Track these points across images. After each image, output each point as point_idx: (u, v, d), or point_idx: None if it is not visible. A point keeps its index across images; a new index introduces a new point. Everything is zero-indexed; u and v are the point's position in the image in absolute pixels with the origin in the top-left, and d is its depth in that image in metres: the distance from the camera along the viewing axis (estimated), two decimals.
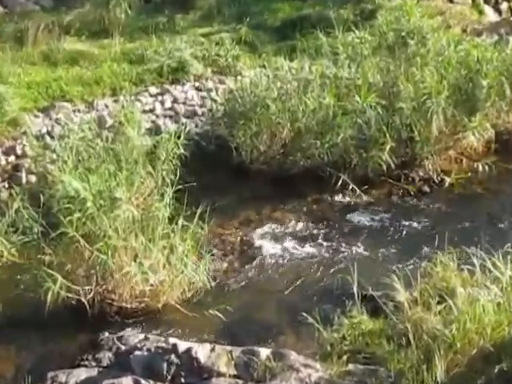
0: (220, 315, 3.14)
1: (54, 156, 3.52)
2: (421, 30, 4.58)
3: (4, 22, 5.39)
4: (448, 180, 4.45)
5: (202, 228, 3.35)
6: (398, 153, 4.42)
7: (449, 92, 4.44)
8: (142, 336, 2.98)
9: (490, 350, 2.63)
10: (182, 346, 2.85)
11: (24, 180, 4.08)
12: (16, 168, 4.16)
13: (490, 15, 6.21)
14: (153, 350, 2.86)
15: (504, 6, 6.39)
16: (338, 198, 4.26)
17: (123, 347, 2.92)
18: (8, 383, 2.85)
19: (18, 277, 3.25)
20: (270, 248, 3.74)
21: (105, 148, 3.37)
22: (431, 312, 2.79)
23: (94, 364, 2.87)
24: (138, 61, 5.03)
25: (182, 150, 3.49)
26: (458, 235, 3.59)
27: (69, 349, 2.99)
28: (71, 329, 3.10)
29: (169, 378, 2.76)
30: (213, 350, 2.83)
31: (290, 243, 3.79)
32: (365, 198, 4.25)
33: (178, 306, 3.22)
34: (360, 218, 4.08)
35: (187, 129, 4.04)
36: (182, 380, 2.76)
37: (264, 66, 5.05)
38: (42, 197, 3.20)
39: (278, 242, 3.80)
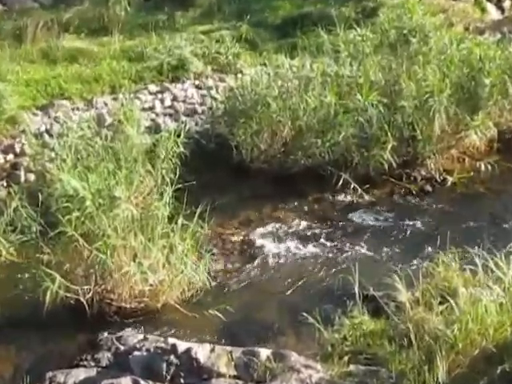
0: (220, 315, 3.12)
1: (53, 154, 3.52)
2: (423, 27, 4.54)
3: (3, 19, 5.36)
4: (450, 179, 4.42)
5: (201, 227, 3.33)
6: (399, 152, 4.39)
7: (451, 90, 4.40)
8: (141, 336, 2.97)
9: (492, 351, 2.61)
10: (182, 346, 2.84)
11: (22, 178, 4.06)
12: (14, 166, 4.14)
13: (493, 13, 6.17)
14: (152, 350, 2.84)
15: (507, 3, 6.35)
16: (340, 197, 4.23)
17: (122, 347, 2.90)
18: (6, 383, 2.83)
19: (17, 276, 3.24)
20: (270, 247, 3.72)
21: (104, 146, 3.35)
22: (433, 312, 2.78)
23: (92, 364, 2.85)
24: (137, 58, 5.01)
25: (182, 149, 3.46)
26: (460, 235, 3.56)
27: (67, 349, 2.98)
28: (70, 329, 3.08)
29: (168, 378, 2.74)
30: (213, 350, 2.82)
31: (290, 243, 3.77)
32: (366, 197, 4.23)
33: (178, 306, 3.21)
34: (361, 218, 4.05)
35: (187, 127, 4.08)
36: (182, 380, 2.74)
37: (265, 64, 5.02)
38: (40, 195, 3.18)
39: (278, 242, 3.78)
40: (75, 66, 4.82)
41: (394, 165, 4.32)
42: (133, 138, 3.35)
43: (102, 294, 3.16)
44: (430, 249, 3.57)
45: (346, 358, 2.75)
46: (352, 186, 4.24)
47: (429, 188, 4.39)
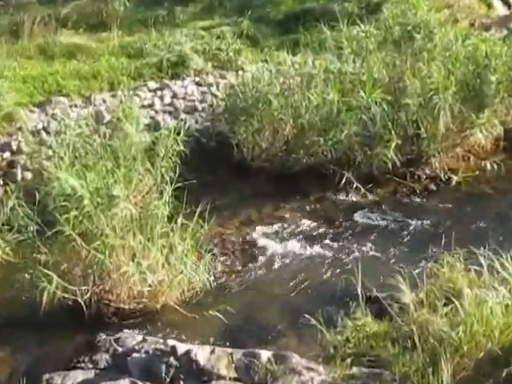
0: (220, 316, 3.08)
1: (50, 152, 3.45)
2: (428, 23, 4.48)
3: None
4: (455, 178, 4.37)
5: (201, 227, 3.28)
6: (403, 150, 4.34)
7: (456, 88, 4.35)
8: (139, 338, 2.93)
9: (497, 353, 2.57)
10: (181, 348, 2.80)
11: (19, 177, 4.03)
12: (11, 164, 4.10)
13: (499, 9, 6.08)
14: (151, 352, 2.80)
15: None
16: (342, 196, 4.19)
17: (120, 349, 2.86)
18: None
19: (13, 277, 3.19)
20: (271, 247, 3.68)
21: (102, 144, 3.30)
22: (437, 314, 2.74)
23: (90, 366, 2.81)
24: (136, 55, 4.96)
25: (182, 147, 3.41)
26: (465, 235, 3.53)
27: (65, 350, 2.94)
28: (67, 330, 3.05)
29: (167, 380, 2.71)
30: (213, 352, 2.78)
31: (292, 243, 3.73)
32: (369, 196, 4.18)
33: (177, 307, 3.17)
34: (364, 217, 4.01)
35: (187, 125, 4.02)
36: (181, 383, 2.70)
37: (266, 61, 4.96)
38: (37, 194, 3.14)
39: (280, 242, 3.74)
40: (73, 63, 4.78)
41: (398, 163, 4.27)
42: (132, 136, 3.30)
43: (100, 294, 3.12)
44: (434, 249, 3.52)
45: (348, 360, 2.72)
46: (355, 185, 4.20)
47: (433, 187, 4.34)
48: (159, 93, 4.74)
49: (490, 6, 6.06)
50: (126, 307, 3.14)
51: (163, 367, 2.72)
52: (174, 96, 4.77)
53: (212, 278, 3.32)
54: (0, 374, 2.85)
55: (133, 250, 3.12)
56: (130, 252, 3.11)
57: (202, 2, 5.84)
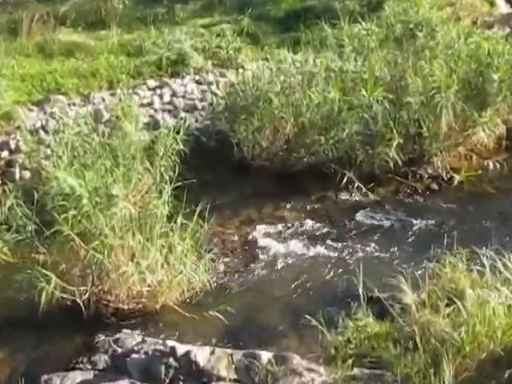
0: (220, 317, 3.06)
1: (49, 151, 3.42)
2: (430, 21, 4.45)
3: None
4: (457, 178, 4.34)
5: (201, 226, 3.26)
6: (405, 149, 4.31)
7: (458, 86, 4.31)
8: (139, 338, 2.91)
9: (500, 354, 2.55)
10: (181, 348, 2.78)
11: (17, 176, 4.01)
12: (9, 164, 4.08)
13: (502, 7, 6.04)
14: (150, 352, 2.78)
15: None
16: (343, 195, 4.16)
17: (119, 350, 2.84)
18: None
19: (11, 277, 3.18)
20: (272, 247, 3.66)
21: (101, 143, 3.28)
22: (439, 314, 2.72)
23: (89, 367, 2.80)
24: (135, 53, 4.95)
25: (181, 146, 3.39)
26: (467, 235, 3.51)
27: (63, 351, 2.92)
28: (66, 330, 3.03)
29: (167, 381, 2.69)
30: (212, 353, 2.76)
31: (293, 242, 3.71)
32: (371, 195, 4.16)
33: (177, 308, 3.15)
34: (366, 217, 3.98)
35: (187, 123, 3.96)
36: None
37: (267, 59, 4.94)
38: (36, 194, 3.11)
39: (280, 242, 3.72)
40: (72, 61, 4.77)
41: (400, 163, 4.24)
42: (131, 135, 3.28)
43: (98, 294, 3.10)
44: (436, 249, 3.49)
45: (349, 361, 2.70)
46: (356, 185, 4.17)
47: (435, 186, 4.31)
48: (158, 91, 4.72)
49: (492, 3, 6.03)
50: (125, 307, 3.12)
51: (162, 368, 2.71)
52: (174, 94, 4.74)
53: (212, 278, 3.29)
54: None
55: (132, 249, 3.09)
56: (129, 252, 3.09)
57: (201, 0, 5.81)
